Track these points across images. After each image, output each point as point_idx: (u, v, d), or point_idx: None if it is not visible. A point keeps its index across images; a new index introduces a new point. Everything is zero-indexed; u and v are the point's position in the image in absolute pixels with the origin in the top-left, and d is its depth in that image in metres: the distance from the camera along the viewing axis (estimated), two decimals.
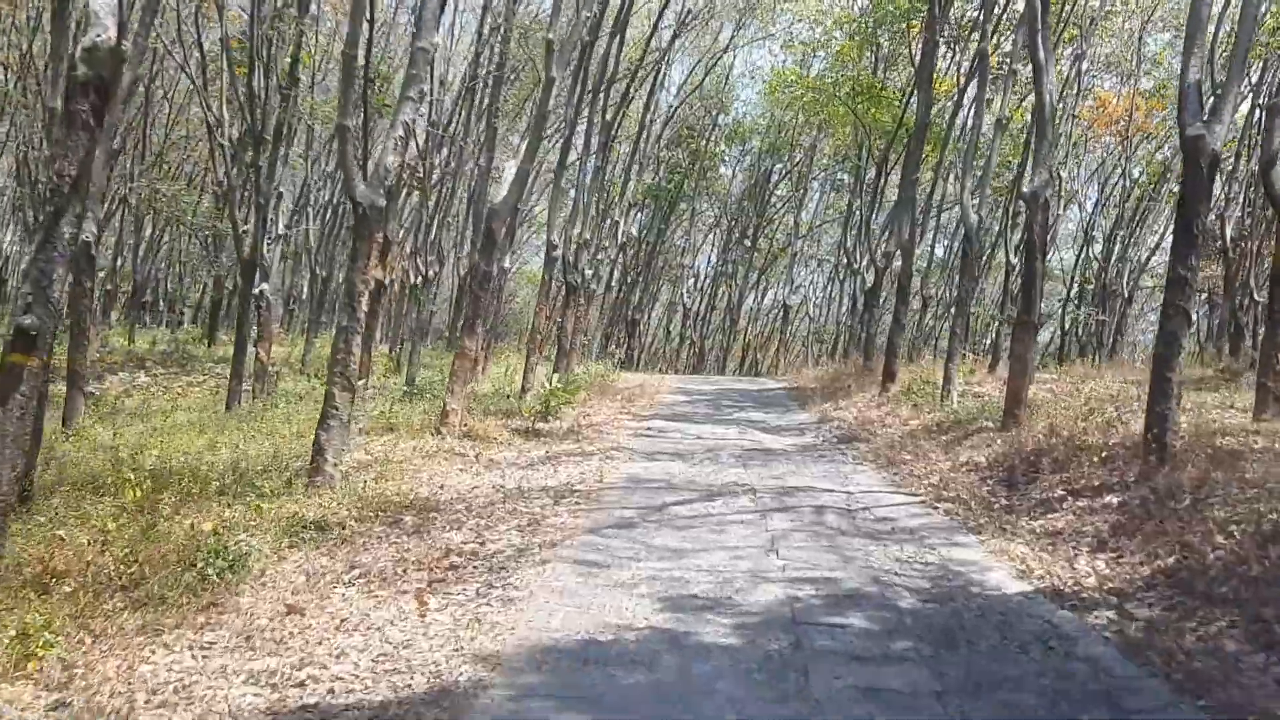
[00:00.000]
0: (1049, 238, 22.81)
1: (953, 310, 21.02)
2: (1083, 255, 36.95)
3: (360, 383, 10.57)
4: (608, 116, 20.40)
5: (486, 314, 13.76)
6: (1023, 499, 9.48)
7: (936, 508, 9.30)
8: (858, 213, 26.39)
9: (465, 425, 13.61)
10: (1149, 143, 33.07)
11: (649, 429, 15.57)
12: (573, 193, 20.86)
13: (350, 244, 9.22)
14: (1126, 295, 31.57)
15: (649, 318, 52.60)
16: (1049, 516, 8.66)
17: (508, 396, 18.31)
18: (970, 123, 16.98)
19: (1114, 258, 36.06)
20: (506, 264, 28.49)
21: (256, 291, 19.55)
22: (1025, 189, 12.31)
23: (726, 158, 43.10)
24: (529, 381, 17.70)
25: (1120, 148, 32.35)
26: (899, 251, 19.88)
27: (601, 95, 20.16)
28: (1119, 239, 35.29)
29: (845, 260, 28.20)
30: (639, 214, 44.63)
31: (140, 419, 15.52)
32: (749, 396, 23.23)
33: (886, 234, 24.30)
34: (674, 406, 20.16)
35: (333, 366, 9.31)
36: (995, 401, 15.69)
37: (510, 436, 14.09)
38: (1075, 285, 37.63)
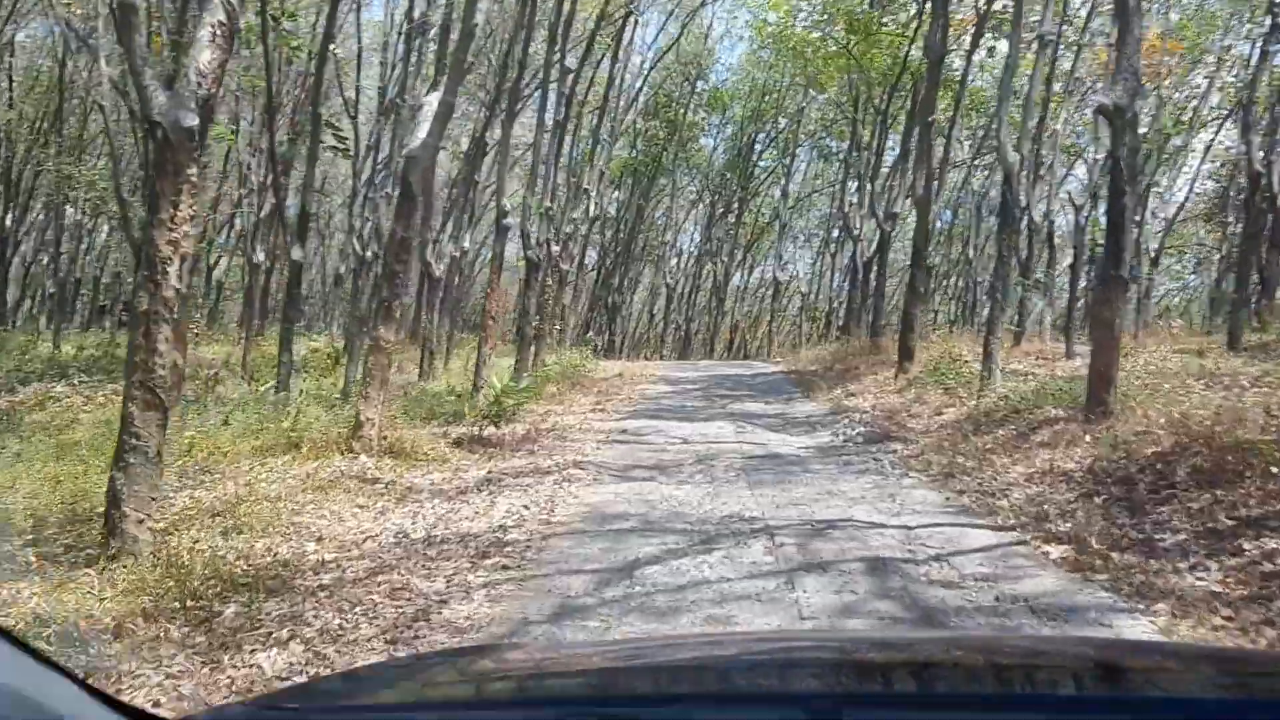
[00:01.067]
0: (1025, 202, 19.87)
1: (987, 275, 17.88)
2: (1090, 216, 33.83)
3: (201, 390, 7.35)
4: (566, 61, 17.11)
5: (403, 291, 10.52)
6: (1164, 530, 6.34)
7: (1046, 552, 6.16)
8: (855, 172, 23.26)
9: (386, 438, 10.42)
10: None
11: (625, 432, 12.40)
12: (543, 163, 17.61)
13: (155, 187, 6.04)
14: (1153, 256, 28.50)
15: (631, 302, 49.37)
16: (1228, 564, 5.54)
17: (458, 396, 15.11)
18: (1005, 44, 13.81)
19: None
20: (466, 244, 25.24)
21: None
22: (1106, 100, 9.14)
23: (706, 127, 39.83)
24: (481, 378, 14.51)
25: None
26: (914, 208, 16.72)
27: (560, 37, 16.87)
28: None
29: (843, 226, 24.96)
30: (616, 192, 41.38)
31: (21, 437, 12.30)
32: (743, 383, 20.08)
33: (893, 192, 21.15)
34: (658, 400, 17.00)
35: (130, 374, 6.11)
36: (1050, 382, 12.61)
37: (447, 450, 10.93)
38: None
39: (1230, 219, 26.56)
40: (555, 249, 21.11)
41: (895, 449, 10.31)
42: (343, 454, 10.07)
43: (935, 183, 16.27)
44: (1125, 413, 9.06)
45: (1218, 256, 36.28)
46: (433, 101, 10.27)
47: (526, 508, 7.79)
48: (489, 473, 9.67)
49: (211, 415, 11.83)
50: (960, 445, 9.72)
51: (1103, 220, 13.60)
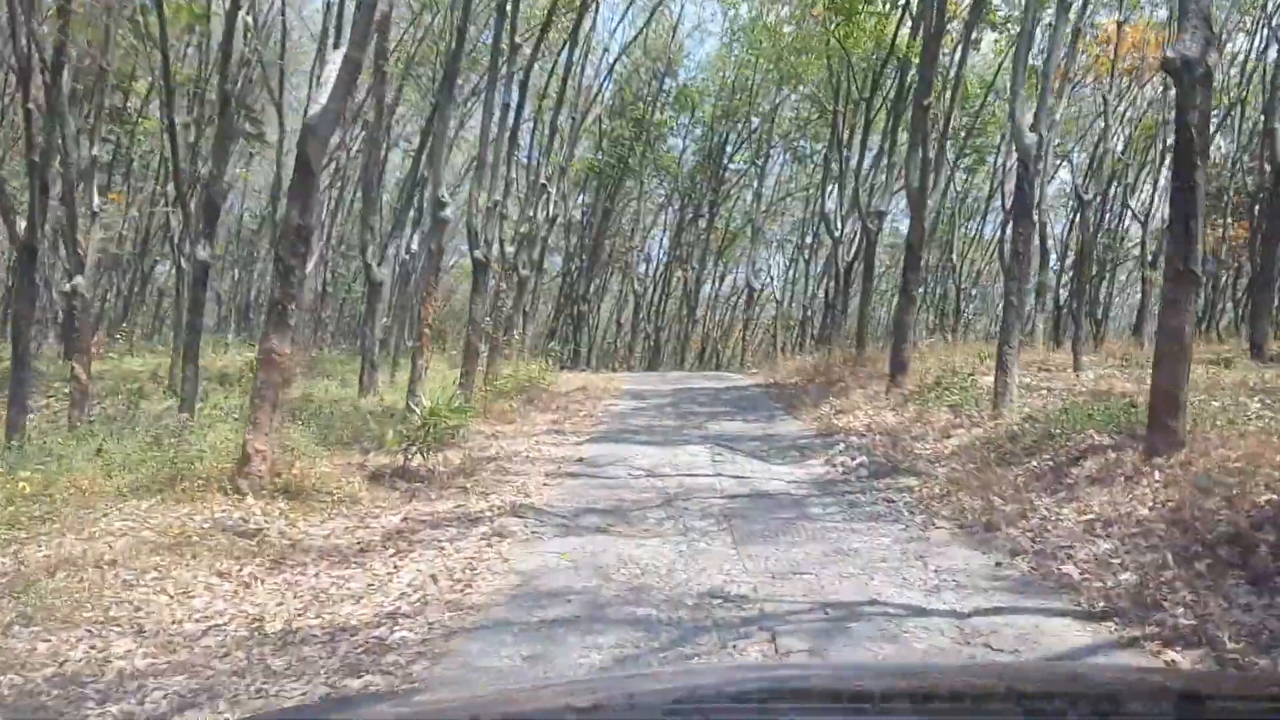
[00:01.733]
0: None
1: (971, 281, 16.11)
2: (1075, 219, 32.37)
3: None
4: (516, 37, 15.14)
5: (299, 291, 8.45)
6: None
7: (1172, 661, 4.24)
8: (836, 169, 21.45)
9: (280, 475, 8.38)
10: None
11: (582, 461, 10.40)
12: (491, 149, 15.60)
13: None
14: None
15: (598, 310, 47.41)
16: None
17: (392, 415, 13.05)
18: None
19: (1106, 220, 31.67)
20: (416, 245, 23.18)
21: (68, 288, 14.47)
22: (1171, 53, 7.32)
23: (675, 126, 37.98)
24: (416, 395, 12.48)
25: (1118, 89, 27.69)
26: (908, 203, 14.92)
27: (509, 11, 14.90)
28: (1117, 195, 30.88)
29: (823, 228, 23.10)
30: (582, 195, 39.42)
31: None
32: (719, 398, 18.14)
33: (876, 190, 19.35)
34: (623, 418, 15.02)
35: None
36: (1077, 400, 10.80)
37: (361, 486, 8.90)
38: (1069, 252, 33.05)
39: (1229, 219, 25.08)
40: (509, 250, 19.09)
41: (909, 484, 8.38)
42: (226, 494, 8.05)
43: (932, 174, 14.44)
44: (1198, 441, 7.22)
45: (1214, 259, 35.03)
46: (336, 60, 8.27)
47: (436, 578, 5.78)
48: (405, 519, 7.65)
49: (105, 439, 9.81)
50: (989, 481, 7.81)
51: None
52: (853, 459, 9.63)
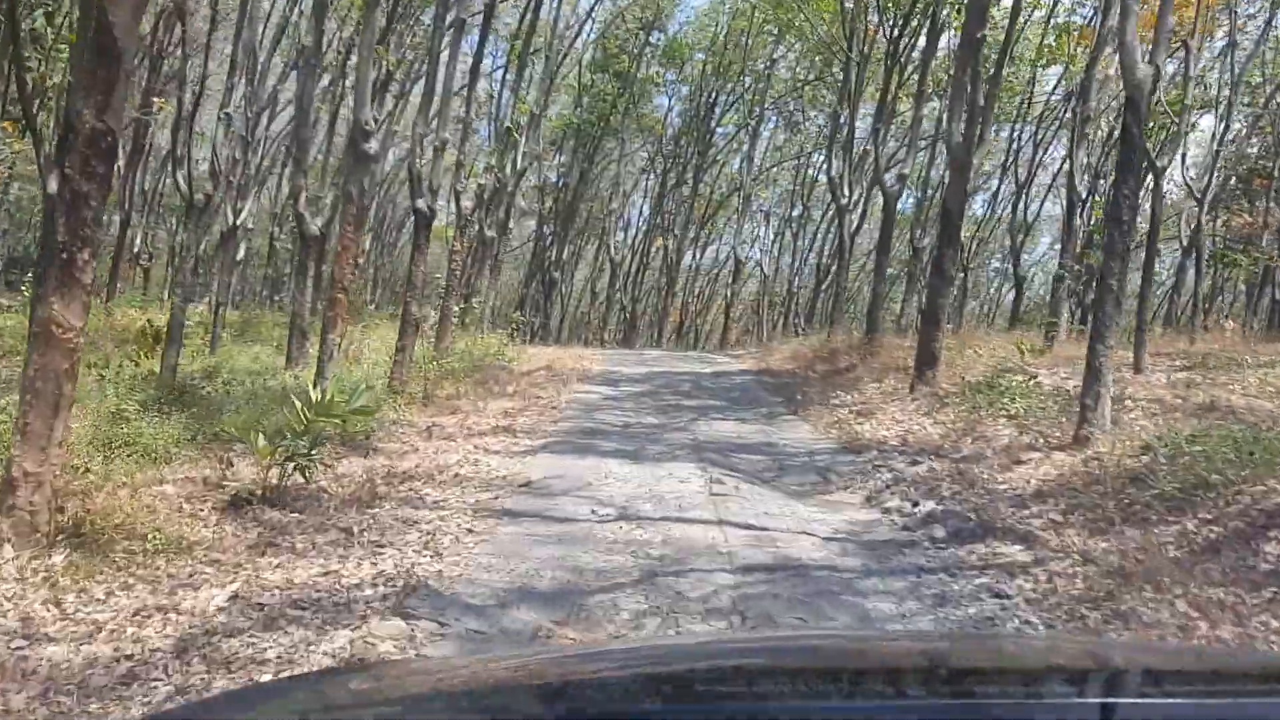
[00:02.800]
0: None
1: (1097, 253, 13.35)
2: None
3: None
4: None
5: (94, 231, 5.42)
6: None
7: None
8: (845, 125, 18.52)
9: (64, 508, 5.49)
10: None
11: (530, 485, 7.52)
12: (441, 75, 12.53)
13: None
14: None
15: (571, 279, 44.40)
16: None
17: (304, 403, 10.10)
18: None
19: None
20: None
21: None
22: None
23: (661, 82, 34.87)
24: (326, 377, 9.55)
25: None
26: (948, 161, 12.10)
27: None
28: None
29: (824, 196, 20.16)
30: (559, 155, 36.31)
31: None
32: (705, 387, 15.32)
33: (897, 151, 16.50)
34: (592, 411, 12.17)
35: None
36: (1186, 422, 8.11)
37: (208, 520, 6.05)
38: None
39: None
40: (468, 204, 16.08)
41: (1015, 558, 5.52)
42: None
43: (979, 125, 11.60)
44: None
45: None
46: None
47: None
48: (234, 599, 4.78)
49: None
50: (1158, 568, 4.99)
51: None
52: (912, 502, 6.78)
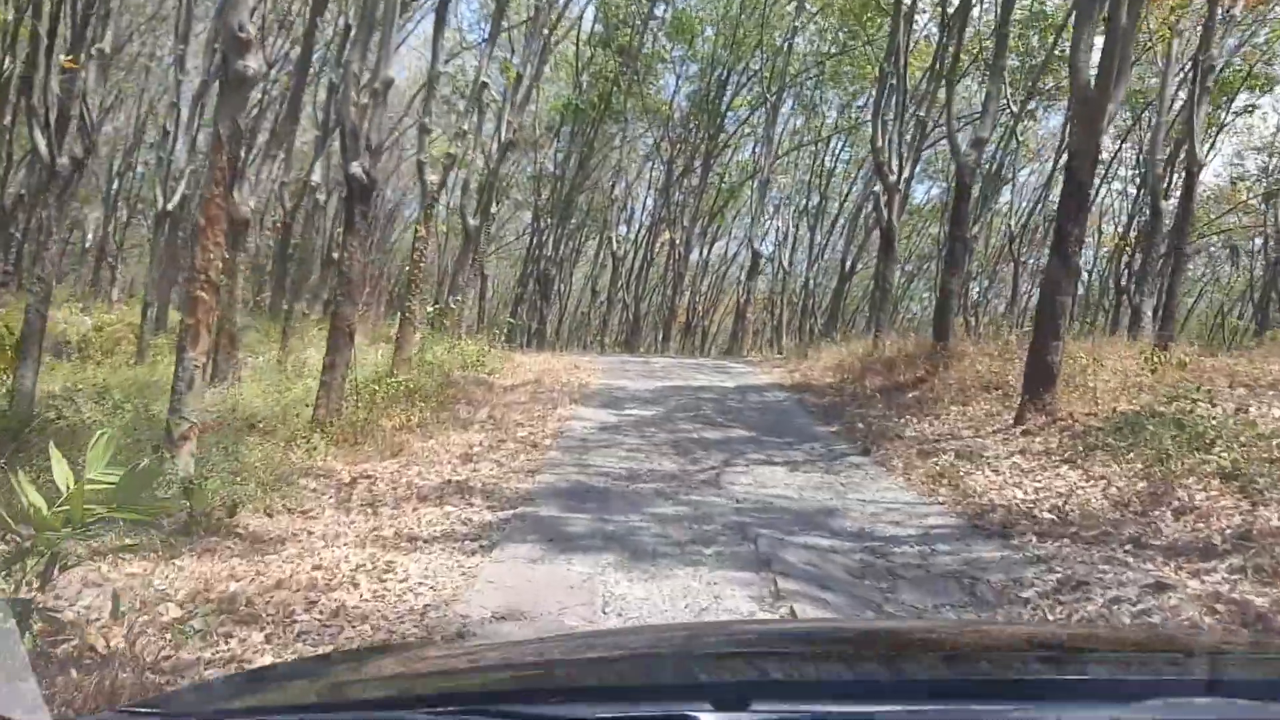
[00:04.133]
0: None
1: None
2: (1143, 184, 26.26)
3: None
4: None
5: None
6: None
7: None
8: (900, 88, 14.97)
9: None
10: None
11: (462, 630, 4.11)
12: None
13: None
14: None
15: (571, 277, 40.95)
16: None
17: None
18: None
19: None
20: (316, 177, 16.70)
21: None
22: None
23: (668, 59, 31.39)
24: (185, 408, 6.18)
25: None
26: (1074, 104, 8.72)
27: None
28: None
29: (875, 168, 16.64)
30: (555, 141, 32.87)
31: None
32: (732, 409, 11.88)
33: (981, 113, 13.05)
34: (584, 454, 8.74)
35: None
36: None
37: None
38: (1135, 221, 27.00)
39: None
40: (433, 178, 12.64)
41: None
42: None
43: (1118, 53, 8.18)
44: None
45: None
46: None
47: None
48: None
49: None
50: None
51: None
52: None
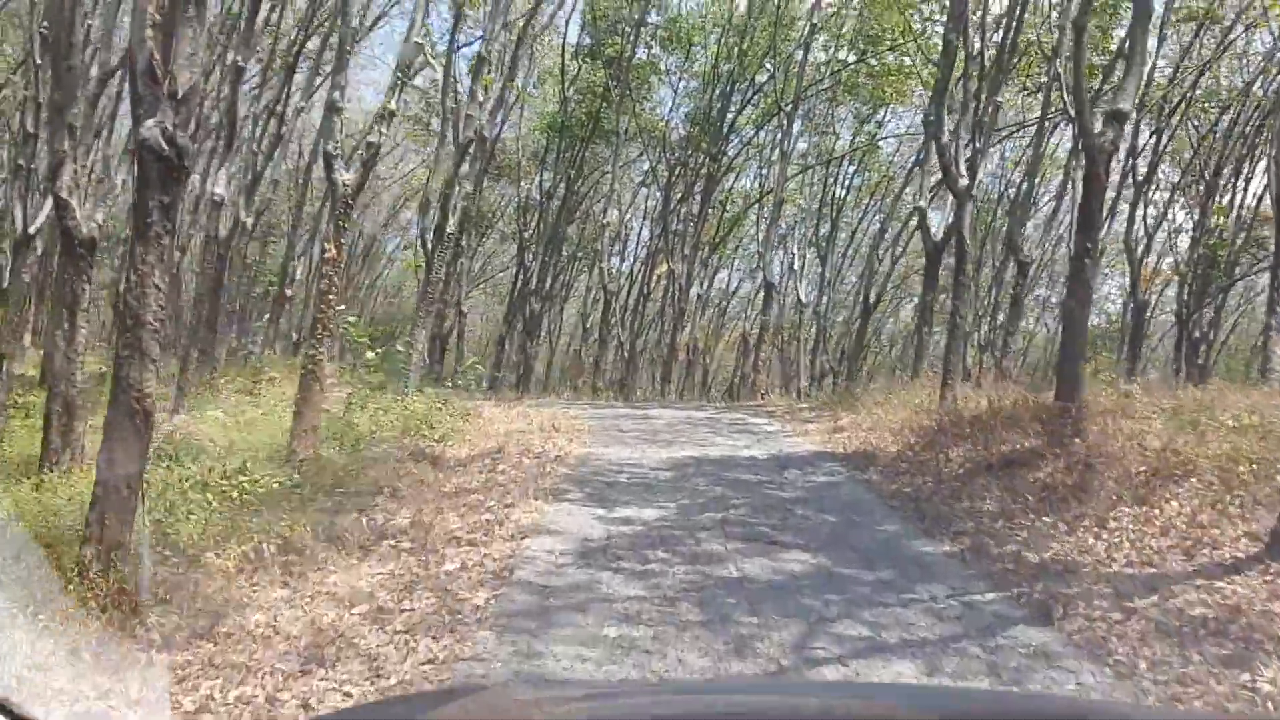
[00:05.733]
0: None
1: None
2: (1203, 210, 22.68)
3: None
4: None
5: None
6: None
7: None
8: (971, 73, 11.38)
9: None
10: None
11: None
12: None
13: None
14: None
15: (561, 314, 37.17)
16: None
17: None
18: None
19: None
20: (220, 188, 12.97)
21: None
22: None
23: (661, 73, 27.80)
24: None
25: None
26: None
27: None
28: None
29: (939, 172, 12.86)
30: (541, 170, 29.25)
31: None
32: (772, 503, 7.95)
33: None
34: (540, 624, 4.82)
35: None
36: None
37: None
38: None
39: None
40: (346, 178, 8.80)
41: None
42: None
43: None
44: None
45: None
46: None
47: None
48: None
49: None
50: None
51: None
52: None
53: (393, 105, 8.94)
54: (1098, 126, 8.33)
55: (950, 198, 12.77)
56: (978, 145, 12.36)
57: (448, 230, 11.99)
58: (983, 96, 12.77)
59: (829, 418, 13.95)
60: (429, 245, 15.18)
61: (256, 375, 14.25)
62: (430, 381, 16.62)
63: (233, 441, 8.94)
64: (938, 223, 16.38)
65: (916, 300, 30.23)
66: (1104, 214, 11.64)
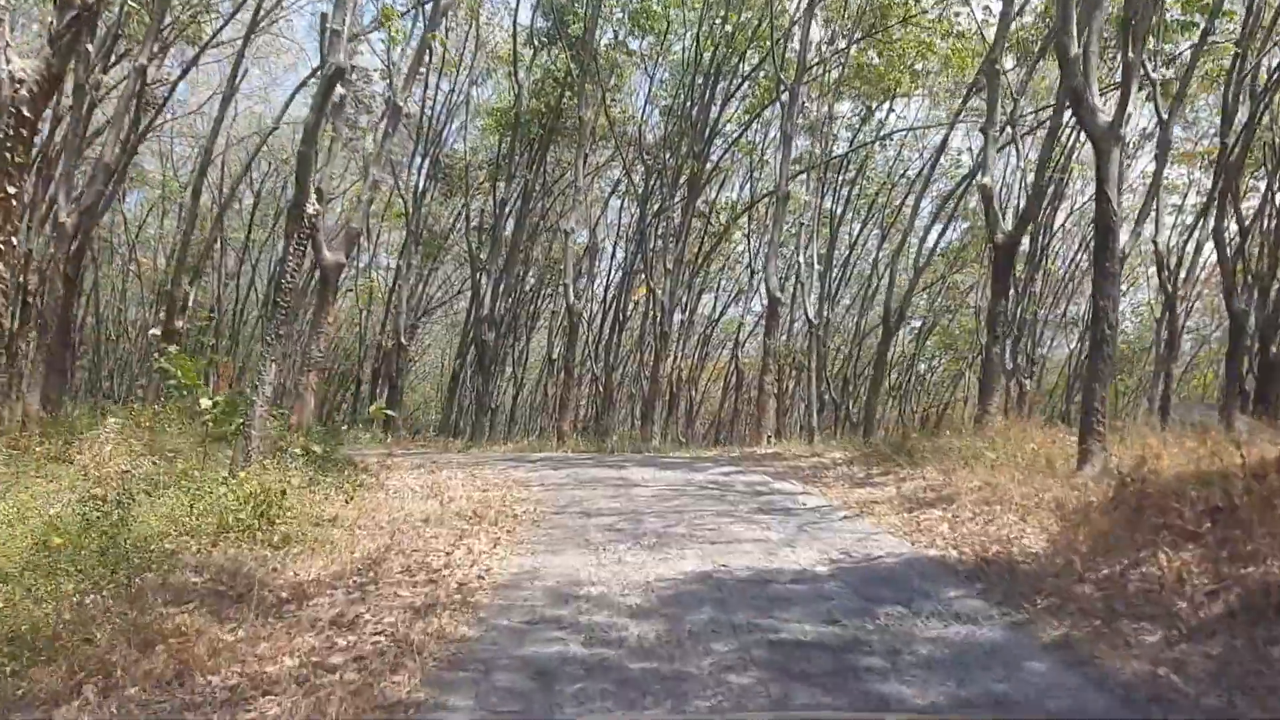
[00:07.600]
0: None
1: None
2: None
3: None
4: None
5: None
6: None
7: None
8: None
9: None
10: None
11: None
12: None
13: None
14: None
15: (528, 345, 32.75)
16: None
17: None
18: None
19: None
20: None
21: None
22: None
23: (638, 55, 23.66)
24: None
25: None
26: None
27: None
28: None
29: (1070, 99, 8.58)
30: (497, 181, 24.89)
31: None
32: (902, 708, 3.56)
33: None
34: None
35: None
36: None
37: None
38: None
39: None
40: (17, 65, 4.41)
41: None
42: None
43: None
44: None
45: None
46: None
47: None
48: None
49: None
50: None
51: None
52: None
53: None
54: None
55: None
56: (1129, 57, 8.11)
57: (307, 210, 7.58)
58: None
59: (883, 477, 9.61)
60: (321, 248, 10.76)
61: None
62: (338, 434, 12.18)
63: None
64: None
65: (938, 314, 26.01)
66: None
